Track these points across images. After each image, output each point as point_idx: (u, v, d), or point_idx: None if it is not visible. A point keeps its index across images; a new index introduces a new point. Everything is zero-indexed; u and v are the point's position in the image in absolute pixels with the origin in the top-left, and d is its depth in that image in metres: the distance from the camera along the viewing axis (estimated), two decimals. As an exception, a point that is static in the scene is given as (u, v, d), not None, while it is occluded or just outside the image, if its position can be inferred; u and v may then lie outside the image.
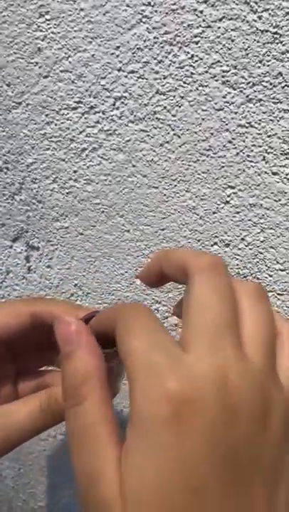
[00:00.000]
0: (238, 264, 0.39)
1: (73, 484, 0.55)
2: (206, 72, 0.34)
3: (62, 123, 0.39)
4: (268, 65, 0.32)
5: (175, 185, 0.38)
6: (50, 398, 0.27)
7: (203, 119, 0.35)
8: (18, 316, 0.28)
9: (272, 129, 0.34)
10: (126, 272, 0.42)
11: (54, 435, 0.53)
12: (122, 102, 0.36)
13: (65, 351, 0.22)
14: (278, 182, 0.35)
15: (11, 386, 0.31)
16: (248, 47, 0.32)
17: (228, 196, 0.37)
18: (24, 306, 0.29)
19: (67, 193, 0.41)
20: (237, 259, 0.38)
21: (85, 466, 0.19)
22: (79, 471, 0.19)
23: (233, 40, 0.32)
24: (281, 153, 0.34)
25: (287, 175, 0.35)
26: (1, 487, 0.60)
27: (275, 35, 0.32)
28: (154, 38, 0.34)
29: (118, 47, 0.35)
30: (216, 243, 0.38)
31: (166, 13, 0.33)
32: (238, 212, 0.37)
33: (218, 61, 0.33)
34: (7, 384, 0.31)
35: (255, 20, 0.32)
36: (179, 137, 0.36)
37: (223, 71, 0.33)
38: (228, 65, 0.33)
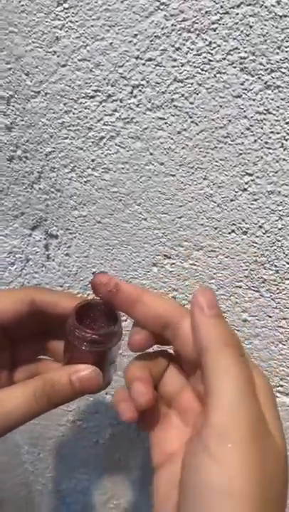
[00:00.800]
0: (255, 252, 0.39)
1: (90, 469, 0.56)
2: (224, 59, 0.34)
3: (80, 112, 0.39)
4: (287, 51, 0.32)
5: (192, 173, 0.38)
6: (45, 384, 0.28)
7: (221, 106, 0.35)
8: (17, 303, 0.29)
9: (290, 116, 0.34)
10: (143, 260, 0.43)
11: (72, 420, 0.54)
12: (140, 90, 0.37)
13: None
14: (296, 169, 0.35)
15: (6, 373, 0.31)
16: (267, 33, 0.32)
17: (246, 183, 0.37)
18: (23, 294, 0.30)
19: (85, 182, 0.41)
20: (254, 246, 0.38)
21: None
22: None
23: (251, 27, 0.32)
24: (299, 140, 0.34)
25: (305, 162, 0.35)
26: (20, 471, 0.61)
27: (294, 21, 0.32)
28: (172, 25, 0.34)
29: (136, 35, 0.35)
30: (233, 231, 0.39)
31: (184, 0, 0.33)
32: (255, 200, 0.37)
33: (236, 48, 0.33)
34: (3, 371, 0.31)
35: (274, 6, 0.31)
36: (197, 124, 0.36)
37: (241, 58, 0.33)
38: (246, 52, 0.33)
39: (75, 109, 0.39)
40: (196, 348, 0.24)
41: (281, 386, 0.43)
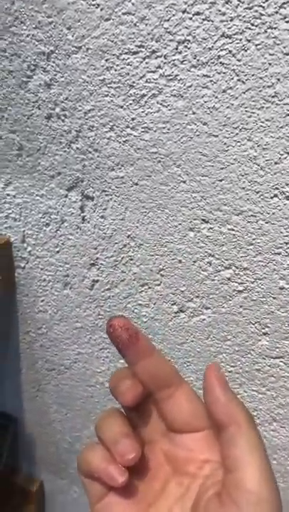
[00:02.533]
0: (297, 218, 0.38)
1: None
2: (276, 12, 0.32)
3: (122, 68, 0.38)
4: None
5: (236, 134, 0.37)
6: None
7: (270, 64, 0.34)
8: None
9: None
10: (180, 224, 0.42)
11: (102, 382, 0.55)
12: (185, 46, 0.35)
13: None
14: None
15: None
16: None
17: (292, 146, 0.35)
18: None
19: (124, 142, 0.41)
20: (297, 212, 0.37)
21: None
22: None
23: (308, -23, 0.31)
24: None
25: None
26: (48, 430, 0.63)
27: None
28: (223, -25, 0.32)
29: (184, -14, 0.34)
30: (276, 195, 0.38)
31: None
32: (301, 163, 0.36)
33: (291, 0, 0.32)
34: None
35: None
36: (244, 83, 0.35)
37: (295, 11, 0.32)
38: (300, 5, 0.31)
39: (116, 65, 0.38)
40: (217, 419, 0.24)
41: (315, 356, 0.43)
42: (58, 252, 0.49)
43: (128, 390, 0.25)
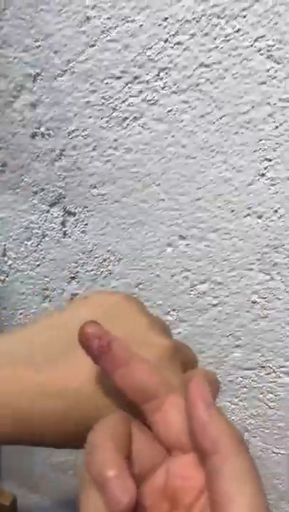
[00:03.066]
0: (268, 236, 0.40)
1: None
2: (252, 45, 0.35)
3: (105, 92, 0.40)
4: (313, 41, 0.33)
5: (213, 157, 0.39)
6: None
7: (245, 92, 0.36)
8: None
9: (312, 104, 0.35)
10: (158, 240, 0.44)
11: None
12: (166, 73, 0.38)
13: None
14: (315, 156, 0.36)
15: None
16: (295, 22, 0.33)
17: (265, 169, 0.38)
18: None
19: (106, 161, 0.42)
20: (268, 230, 0.40)
21: None
22: None
23: (280, 15, 0.33)
24: None
25: None
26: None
27: None
28: (202, 10, 0.35)
29: (166, 18, 0.36)
30: (249, 214, 0.40)
31: (216, -13, 0.34)
32: (273, 185, 0.38)
33: (264, 35, 0.34)
34: None
35: (304, -3, 0.33)
36: (220, 109, 0.37)
37: (268, 45, 0.34)
38: (273, 40, 0.34)
39: (100, 89, 0.40)
40: (199, 444, 0.22)
41: (285, 367, 0.45)
42: (38, 265, 0.50)
43: (117, 493, 0.19)
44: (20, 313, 0.54)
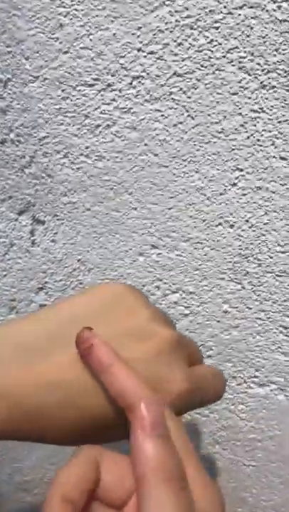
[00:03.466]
0: (240, 245, 0.40)
1: (57, 459, 0.56)
2: (224, 57, 0.35)
3: (78, 99, 0.40)
4: (284, 54, 0.34)
5: (185, 166, 0.39)
6: None
7: (217, 102, 0.37)
8: None
9: (283, 115, 0.36)
10: (130, 250, 0.44)
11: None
12: (139, 82, 0.38)
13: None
14: (285, 167, 0.37)
15: None
16: (266, 35, 0.34)
17: (236, 178, 0.38)
18: None
19: (77, 169, 0.42)
20: (240, 240, 0.40)
21: None
22: None
23: (252, 28, 0.34)
24: (290, 139, 0.36)
25: (294, 160, 0.37)
26: (-13, 462, 0.61)
27: (292, 26, 0.34)
28: (176, 20, 0.35)
29: (140, 27, 0.36)
30: (220, 224, 0.40)
31: (190, -2, 0.34)
32: (244, 195, 0.39)
33: (236, 47, 0.35)
34: None
35: (275, 10, 0.33)
36: (193, 119, 0.38)
37: (240, 57, 0.35)
38: (245, 52, 0.35)
39: (73, 96, 0.40)
40: (133, 469, 0.21)
41: (256, 377, 0.45)
42: (5, 275, 0.49)
43: None
44: (-14, 326, 0.52)
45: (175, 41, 0.36)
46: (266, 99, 0.36)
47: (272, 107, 0.36)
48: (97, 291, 0.29)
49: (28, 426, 0.24)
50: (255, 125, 0.36)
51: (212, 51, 0.35)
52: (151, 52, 0.37)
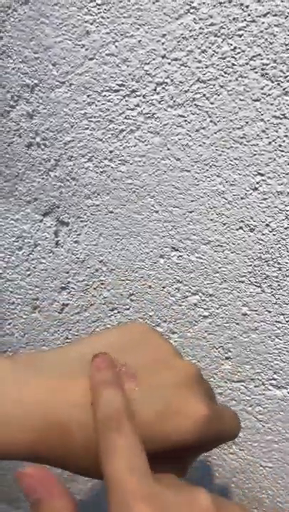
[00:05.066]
0: (260, 249, 0.41)
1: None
2: (247, 64, 0.36)
3: (102, 104, 0.41)
4: (306, 61, 0.35)
5: (207, 170, 0.40)
6: None
7: (239, 108, 0.37)
8: None
9: (305, 122, 0.36)
10: (151, 252, 0.44)
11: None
12: (163, 88, 0.38)
13: (32, 501, 0.23)
14: (306, 172, 0.37)
15: None
16: (289, 43, 0.35)
17: (257, 183, 0.39)
18: None
19: (101, 172, 0.43)
20: (260, 244, 0.41)
21: None
22: None
23: (275, 36, 0.35)
24: (311, 145, 0.37)
25: (315, 166, 0.37)
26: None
27: (315, 34, 0.34)
28: (200, 28, 0.36)
29: (164, 35, 0.37)
30: (241, 227, 0.41)
31: (214, 6, 0.35)
32: (265, 199, 0.39)
33: (259, 54, 0.35)
34: None
35: (298, 18, 0.34)
36: (215, 124, 0.38)
37: (263, 64, 0.36)
38: (268, 59, 0.35)
39: (98, 101, 0.41)
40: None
41: (274, 380, 0.45)
42: (29, 275, 0.50)
43: None
44: (9, 324, 0.54)
45: (199, 48, 0.37)
46: (288, 105, 0.36)
47: (294, 113, 0.36)
48: (127, 327, 0.32)
49: (55, 446, 0.25)
50: (277, 131, 0.37)
51: (235, 58, 0.36)
52: (176, 59, 0.37)
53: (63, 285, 0.49)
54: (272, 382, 0.45)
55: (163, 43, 0.37)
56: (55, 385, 0.26)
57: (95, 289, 0.48)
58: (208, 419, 0.26)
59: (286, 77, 0.35)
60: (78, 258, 0.47)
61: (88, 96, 0.41)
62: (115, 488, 0.21)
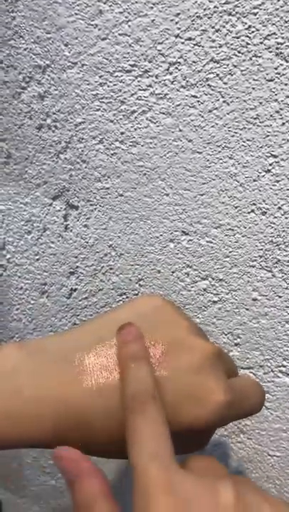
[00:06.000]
0: (272, 233, 0.40)
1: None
2: (261, 43, 0.36)
3: (114, 85, 0.40)
4: None
5: (219, 152, 0.39)
6: None
7: (253, 88, 0.37)
8: None
9: None
10: (161, 236, 0.44)
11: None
12: (176, 68, 0.38)
13: (69, 481, 0.23)
14: None
15: None
16: (305, 21, 0.34)
17: (270, 165, 0.38)
18: None
19: (112, 154, 0.43)
20: (272, 227, 0.40)
21: None
22: None
23: (290, 14, 0.34)
24: None
25: None
26: (13, 444, 0.61)
27: None
28: (214, 7, 0.36)
29: (178, 14, 0.37)
30: (253, 211, 0.40)
31: (229, -16, 0.35)
32: (278, 181, 0.39)
33: (274, 33, 0.35)
34: None
35: (314, -4, 0.33)
36: (228, 105, 0.38)
37: (278, 43, 0.35)
38: (283, 38, 0.35)
39: (110, 82, 0.40)
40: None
41: (284, 366, 0.45)
42: (37, 259, 0.50)
43: None
44: (17, 309, 0.54)
45: (213, 27, 0.36)
46: (303, 85, 0.36)
47: (308, 93, 0.36)
48: (140, 303, 0.30)
49: (73, 435, 0.25)
50: (290, 111, 0.37)
51: (249, 37, 0.36)
52: (189, 39, 0.37)
53: (72, 270, 0.49)
54: (282, 369, 0.45)
55: (177, 22, 0.37)
56: (68, 374, 0.25)
57: (103, 273, 0.48)
58: (226, 405, 0.25)
59: (301, 56, 0.35)
60: (87, 242, 0.47)
61: (100, 77, 0.41)
62: (138, 476, 0.21)
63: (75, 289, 0.50)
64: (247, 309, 0.44)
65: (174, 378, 0.25)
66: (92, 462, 0.23)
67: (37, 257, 0.50)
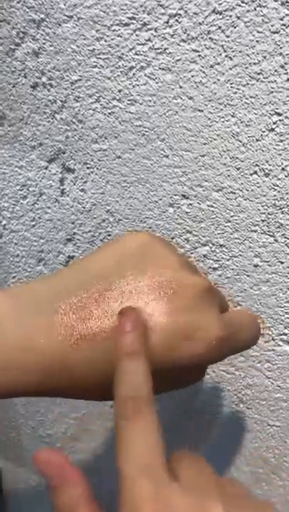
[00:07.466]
0: (275, 196, 0.39)
1: (80, 414, 0.57)
2: (266, -9, 0.34)
3: (112, 39, 0.39)
4: None
5: (221, 109, 0.38)
6: None
7: (257, 42, 0.35)
8: None
9: None
10: (160, 200, 0.43)
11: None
12: (177, 20, 0.36)
13: (52, 486, 0.23)
14: None
15: None
16: None
17: (274, 123, 0.37)
18: None
19: (109, 114, 0.41)
20: (275, 189, 0.39)
21: None
22: None
23: None
24: None
25: None
26: (11, 414, 0.61)
27: None
28: None
29: None
30: (255, 172, 0.39)
31: None
32: (282, 141, 0.37)
33: (280, -20, 0.33)
34: None
35: None
36: (231, 59, 0.36)
37: (284, -9, 0.33)
38: (289, -15, 0.33)
39: (107, 36, 0.39)
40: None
41: (285, 335, 0.44)
42: (34, 226, 0.49)
43: None
44: (14, 277, 0.53)
45: (215, -25, 0.34)
46: (310, 37, 0.34)
47: (315, 45, 0.34)
48: (124, 242, 0.29)
49: (57, 383, 0.25)
50: (296, 66, 0.35)
51: (254, -15, 0.34)
52: (190, -12, 0.35)
53: (69, 236, 0.48)
54: (283, 337, 0.44)
55: None
56: (51, 323, 0.25)
57: (101, 240, 0.47)
58: (220, 341, 0.25)
59: (308, 4, 0.33)
60: (84, 208, 0.46)
61: (97, 31, 0.39)
62: (126, 488, 0.21)
63: (73, 257, 0.49)
64: (248, 276, 0.43)
65: (167, 318, 0.25)
66: (74, 466, 0.23)
67: (33, 223, 0.49)
